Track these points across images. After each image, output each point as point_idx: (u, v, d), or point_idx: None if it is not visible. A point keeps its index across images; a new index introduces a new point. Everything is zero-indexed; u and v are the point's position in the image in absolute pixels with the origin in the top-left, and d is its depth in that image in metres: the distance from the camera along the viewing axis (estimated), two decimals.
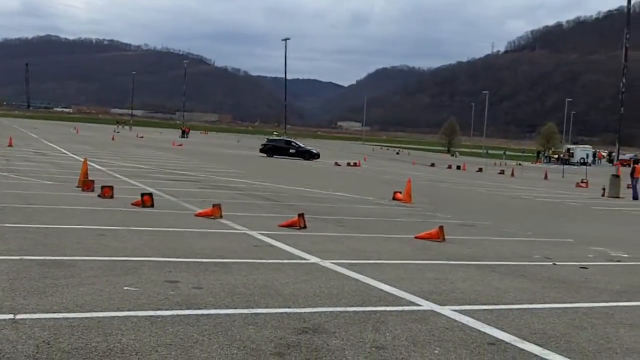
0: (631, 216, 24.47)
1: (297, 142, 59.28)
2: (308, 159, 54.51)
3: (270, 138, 66.11)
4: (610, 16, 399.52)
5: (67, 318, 6.13)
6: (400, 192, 22.92)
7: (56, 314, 6.25)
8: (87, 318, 6.18)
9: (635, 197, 33.71)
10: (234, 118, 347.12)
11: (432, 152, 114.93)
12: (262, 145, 57.33)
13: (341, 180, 32.43)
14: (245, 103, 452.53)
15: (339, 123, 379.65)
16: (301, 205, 18.03)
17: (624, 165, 50.04)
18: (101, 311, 6.46)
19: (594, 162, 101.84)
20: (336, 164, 49.88)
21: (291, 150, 56.20)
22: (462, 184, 37.84)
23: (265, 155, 54.67)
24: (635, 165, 36.08)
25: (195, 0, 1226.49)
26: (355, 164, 50.77)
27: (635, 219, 23.36)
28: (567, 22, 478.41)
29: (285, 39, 74.56)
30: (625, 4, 37.33)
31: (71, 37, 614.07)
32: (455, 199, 26.69)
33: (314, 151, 56.65)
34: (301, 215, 13.69)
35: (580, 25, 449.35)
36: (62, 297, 6.86)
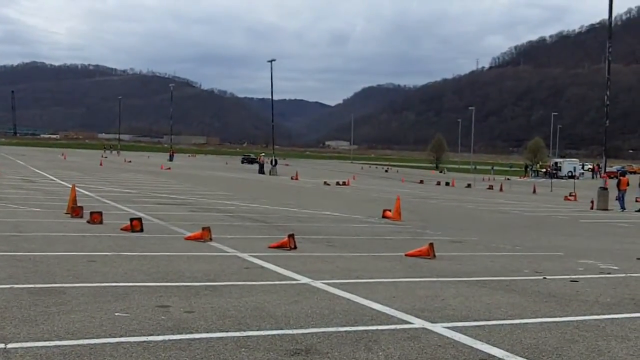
0: (620, 228, 24.57)
1: None
2: None
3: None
4: (592, 30, 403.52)
5: (59, 346, 6.11)
6: (390, 210, 22.97)
7: (48, 342, 6.22)
8: (79, 345, 6.16)
9: (622, 208, 33.93)
10: (222, 140, 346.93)
11: (421, 169, 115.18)
12: None
13: (330, 200, 32.45)
14: (233, 125, 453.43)
15: (327, 142, 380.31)
16: (291, 226, 18.03)
17: (611, 178, 50.29)
18: (93, 338, 6.43)
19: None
20: (325, 183, 49.91)
21: None
22: (451, 200, 37.93)
23: None
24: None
25: (176, 23, 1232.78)
26: (344, 183, 50.83)
27: (624, 231, 23.46)
28: (550, 36, 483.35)
29: (271, 60, 74.62)
30: (606, 17, 37.69)
31: (56, 63, 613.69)
32: (445, 216, 26.75)
33: None
34: (291, 236, 13.70)
35: (564, 40, 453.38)
36: (53, 325, 6.84)
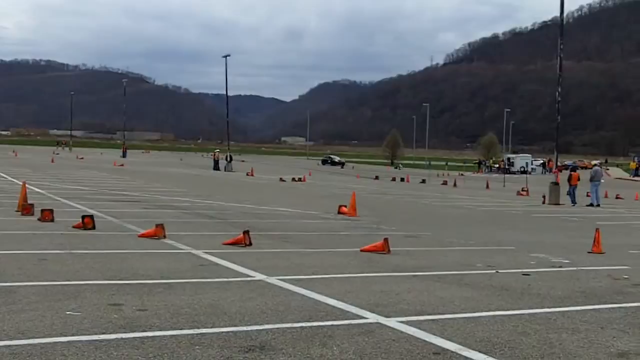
0: (571, 222, 24.99)
1: None
2: None
3: None
4: (545, 27, 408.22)
5: (9, 346, 6.00)
6: (346, 206, 23.03)
7: None
8: (29, 345, 6.06)
9: (573, 203, 34.55)
10: (177, 136, 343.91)
11: (376, 165, 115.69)
12: None
13: (286, 196, 32.42)
14: (188, 121, 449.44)
15: (283, 138, 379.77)
16: (246, 222, 17.98)
17: (561, 171, 51.05)
18: (44, 337, 6.33)
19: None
20: (281, 179, 49.83)
21: None
22: (406, 195, 38.17)
23: None
24: (572, 173, 36.98)
25: (128, 18, 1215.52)
26: (300, 179, 50.78)
27: (575, 225, 23.86)
28: (504, 33, 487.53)
29: (226, 56, 74.22)
30: (558, 14, 38.22)
31: (6, 59, 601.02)
32: (400, 211, 26.92)
33: None
34: (246, 233, 13.65)
35: (516, 37, 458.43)
36: (3, 325, 6.71)
